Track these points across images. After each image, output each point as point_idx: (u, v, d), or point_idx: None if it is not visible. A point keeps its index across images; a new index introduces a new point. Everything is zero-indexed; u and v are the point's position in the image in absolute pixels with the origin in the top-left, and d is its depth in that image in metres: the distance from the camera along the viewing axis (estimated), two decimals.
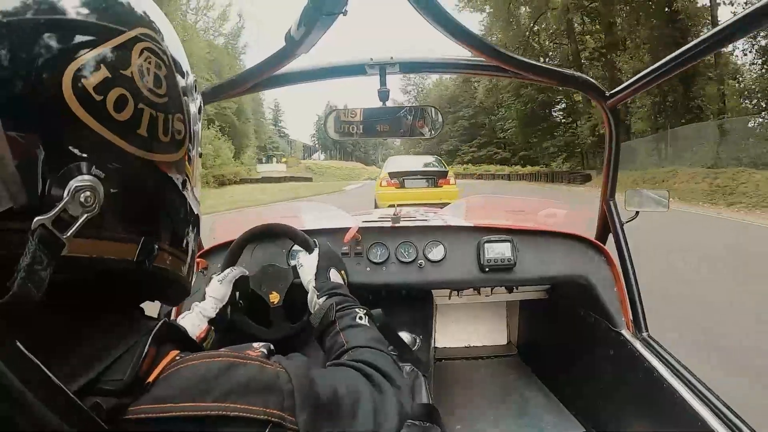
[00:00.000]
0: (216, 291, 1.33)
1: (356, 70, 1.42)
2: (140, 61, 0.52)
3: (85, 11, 0.49)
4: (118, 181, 0.50)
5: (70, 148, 0.47)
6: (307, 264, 1.23)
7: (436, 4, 0.92)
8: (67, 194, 0.45)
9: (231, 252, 1.45)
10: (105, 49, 0.49)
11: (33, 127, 0.45)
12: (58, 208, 0.44)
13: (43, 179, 0.45)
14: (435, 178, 10.46)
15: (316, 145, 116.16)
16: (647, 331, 1.54)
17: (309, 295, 1.16)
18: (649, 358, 1.42)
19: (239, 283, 1.38)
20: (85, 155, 0.47)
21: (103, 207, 0.48)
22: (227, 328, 1.38)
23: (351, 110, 1.50)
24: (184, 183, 0.61)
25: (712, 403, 1.18)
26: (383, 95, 1.39)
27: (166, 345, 0.55)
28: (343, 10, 0.87)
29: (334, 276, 1.19)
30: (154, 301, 0.65)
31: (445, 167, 11.64)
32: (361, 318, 0.99)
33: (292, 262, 1.32)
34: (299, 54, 1.08)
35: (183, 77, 0.61)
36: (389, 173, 10.65)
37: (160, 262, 0.57)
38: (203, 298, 1.31)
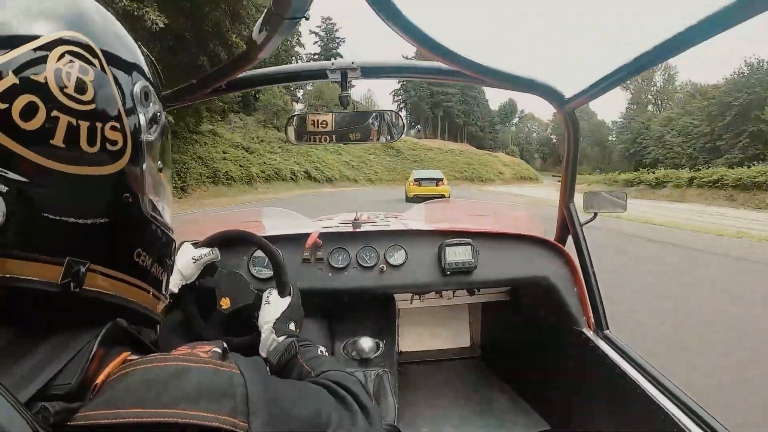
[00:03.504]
0: (186, 268, 1.27)
1: (317, 74, 1.41)
2: (59, 65, 0.49)
3: (2, 15, 0.47)
4: (28, 196, 0.47)
5: None
6: (274, 306, 1.20)
7: (397, 11, 0.92)
8: None
9: (217, 236, 1.39)
10: (15, 55, 0.46)
11: None
12: None
13: None
14: (437, 182, 21.32)
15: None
16: (608, 328, 1.58)
17: (264, 336, 1.14)
18: (611, 355, 1.46)
19: (209, 268, 1.34)
20: None
21: (9, 224, 0.45)
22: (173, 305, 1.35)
23: (322, 118, 1.48)
24: (128, 199, 0.57)
25: (675, 394, 1.22)
26: (344, 100, 1.38)
27: (116, 347, 0.54)
28: (306, 14, 0.86)
29: (293, 326, 1.17)
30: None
31: (443, 176, 22.33)
32: (322, 352, 0.99)
33: (263, 296, 1.27)
34: (261, 58, 1.06)
35: (126, 83, 0.57)
36: (414, 179, 21.82)
37: (96, 286, 0.53)
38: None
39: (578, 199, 1.73)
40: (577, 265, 1.68)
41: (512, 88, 1.39)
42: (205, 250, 1.30)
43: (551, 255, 1.75)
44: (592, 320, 1.64)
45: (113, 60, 0.55)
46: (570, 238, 1.75)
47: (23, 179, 0.46)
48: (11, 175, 0.45)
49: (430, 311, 2.71)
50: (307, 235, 1.67)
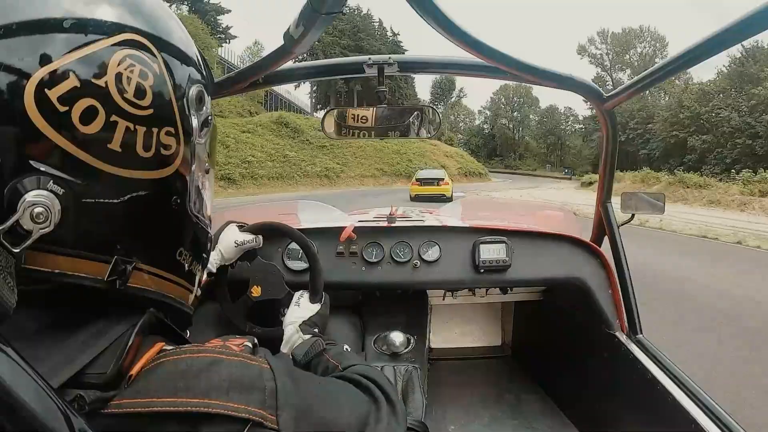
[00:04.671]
0: (229, 250, 1.30)
1: (354, 68, 1.42)
2: (119, 69, 0.49)
3: (64, 13, 0.47)
4: (83, 197, 0.48)
5: (28, 159, 0.45)
6: (303, 309, 1.20)
7: (433, 5, 0.92)
8: (21, 208, 0.44)
9: (265, 225, 1.39)
10: (78, 56, 0.46)
11: None
12: (9, 222, 0.43)
13: None
14: (438, 181, 22.66)
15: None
16: (641, 333, 1.55)
17: (288, 334, 1.15)
18: (644, 360, 1.43)
19: (245, 254, 1.37)
20: (43, 168, 0.45)
21: (63, 223, 0.46)
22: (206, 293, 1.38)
23: (362, 113, 1.47)
24: (176, 200, 0.58)
25: (706, 404, 1.19)
26: (381, 95, 1.38)
27: (151, 336, 0.55)
28: (342, 10, 0.86)
29: (317, 330, 1.18)
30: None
31: (444, 176, 23.81)
32: (348, 350, 1.01)
33: (294, 296, 1.28)
34: (297, 53, 1.07)
35: (182, 87, 0.57)
36: (416, 179, 23.46)
37: (139, 283, 0.55)
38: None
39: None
40: (612, 267, 1.65)
41: (550, 85, 1.37)
42: (249, 237, 1.32)
43: (587, 256, 1.72)
44: (626, 324, 1.60)
45: (172, 63, 0.56)
46: (606, 239, 1.72)
47: (78, 181, 0.47)
48: (67, 176, 0.46)
49: (462, 308, 2.69)
50: (342, 228, 1.68)
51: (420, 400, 1.55)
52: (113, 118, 0.48)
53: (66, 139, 0.46)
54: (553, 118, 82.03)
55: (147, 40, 0.53)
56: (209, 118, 0.63)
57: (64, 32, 0.47)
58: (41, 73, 0.44)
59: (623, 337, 1.58)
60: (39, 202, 0.44)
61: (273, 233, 1.43)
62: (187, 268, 0.64)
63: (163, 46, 0.55)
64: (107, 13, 0.50)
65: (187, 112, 0.58)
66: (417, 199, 20.58)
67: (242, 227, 1.36)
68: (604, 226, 1.70)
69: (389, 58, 1.36)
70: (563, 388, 2.10)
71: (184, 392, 0.48)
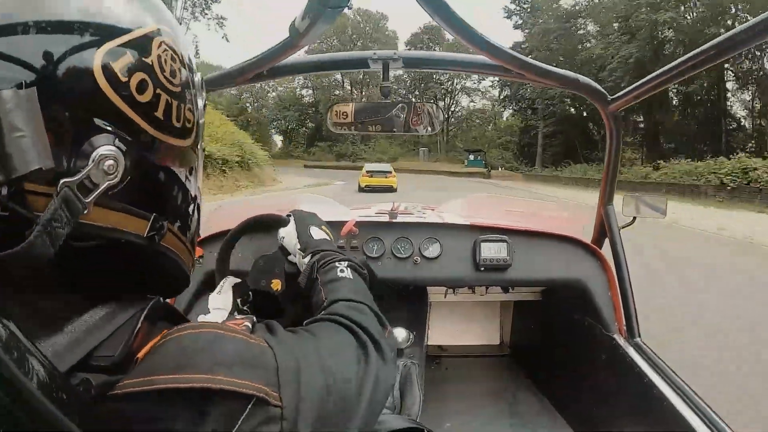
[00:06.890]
0: (218, 302, 1.29)
1: (359, 63, 1.41)
2: (159, 52, 0.57)
3: (116, 8, 0.55)
4: (136, 156, 0.54)
5: (97, 120, 0.50)
6: (287, 234, 1.22)
7: (442, 3, 0.92)
8: (92, 161, 0.49)
9: (219, 263, 1.41)
10: (130, 38, 0.54)
11: (66, 99, 0.49)
12: (83, 173, 0.48)
13: (71, 145, 0.49)
14: (386, 174, 24.71)
15: None
16: (639, 336, 1.55)
17: (297, 259, 1.15)
18: (641, 364, 1.43)
19: (238, 288, 1.34)
20: (109, 128, 0.51)
21: (122, 182, 0.52)
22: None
23: (342, 109, 1.49)
24: (189, 170, 0.66)
25: (701, 409, 1.19)
26: (385, 91, 1.38)
27: (159, 323, 0.56)
28: (348, 4, 0.86)
29: (317, 233, 1.17)
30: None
31: (391, 169, 25.86)
32: (342, 271, 0.97)
33: (278, 239, 1.27)
34: (303, 46, 1.07)
35: (192, 73, 0.66)
36: (366, 171, 25.17)
37: (167, 242, 0.61)
38: (208, 312, 1.27)
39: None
40: (612, 269, 1.64)
41: (555, 86, 1.37)
42: (217, 289, 1.32)
43: (587, 258, 1.72)
44: (624, 327, 1.60)
45: (187, 53, 0.65)
46: (607, 242, 1.71)
47: (136, 143, 0.54)
48: (127, 137, 0.53)
49: (462, 306, 2.70)
50: (344, 222, 1.68)
51: (417, 396, 1.55)
52: (158, 90, 0.56)
53: (127, 104, 0.53)
54: (432, 77, 53.47)
55: (171, 30, 0.62)
56: (206, 101, 0.73)
57: (120, 20, 0.55)
58: (105, 49, 0.52)
59: (621, 340, 1.58)
60: (110, 155, 0.50)
61: (226, 260, 1.42)
62: (191, 233, 0.70)
63: (178, 38, 0.63)
64: (144, 9, 0.59)
65: (197, 94, 0.67)
66: (365, 189, 23.23)
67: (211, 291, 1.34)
68: (605, 228, 1.69)
69: (394, 53, 1.35)
70: (560, 389, 2.10)
71: (188, 369, 0.48)
